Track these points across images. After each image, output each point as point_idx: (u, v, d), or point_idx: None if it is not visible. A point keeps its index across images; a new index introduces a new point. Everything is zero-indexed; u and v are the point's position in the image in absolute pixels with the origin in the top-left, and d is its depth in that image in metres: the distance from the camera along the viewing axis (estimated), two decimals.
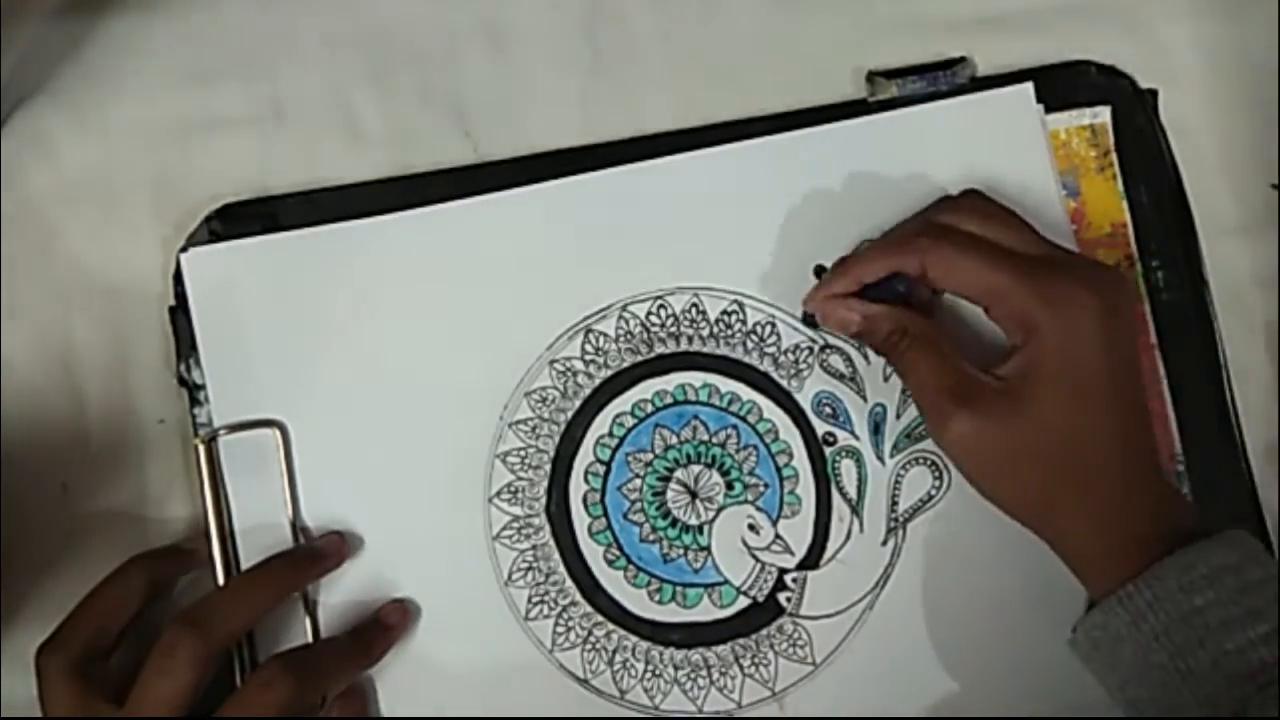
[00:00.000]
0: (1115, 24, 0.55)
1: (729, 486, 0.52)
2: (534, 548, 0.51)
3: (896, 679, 0.51)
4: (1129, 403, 0.46)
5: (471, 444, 0.52)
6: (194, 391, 0.52)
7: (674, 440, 0.52)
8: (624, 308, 0.52)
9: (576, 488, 0.52)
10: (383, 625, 0.50)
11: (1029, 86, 0.53)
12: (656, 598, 0.52)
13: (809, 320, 0.52)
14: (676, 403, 0.52)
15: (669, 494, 0.52)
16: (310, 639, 0.51)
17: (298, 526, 0.51)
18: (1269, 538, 0.52)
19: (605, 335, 0.52)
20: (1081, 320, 0.45)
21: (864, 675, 0.51)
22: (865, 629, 0.51)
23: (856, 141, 0.53)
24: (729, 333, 0.52)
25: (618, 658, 0.51)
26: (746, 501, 0.52)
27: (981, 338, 0.50)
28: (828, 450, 0.52)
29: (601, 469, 0.52)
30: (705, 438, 0.52)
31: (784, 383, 0.52)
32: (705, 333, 0.52)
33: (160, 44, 0.54)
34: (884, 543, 0.52)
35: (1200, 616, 0.42)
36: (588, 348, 0.52)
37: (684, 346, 0.52)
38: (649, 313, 0.52)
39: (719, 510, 0.52)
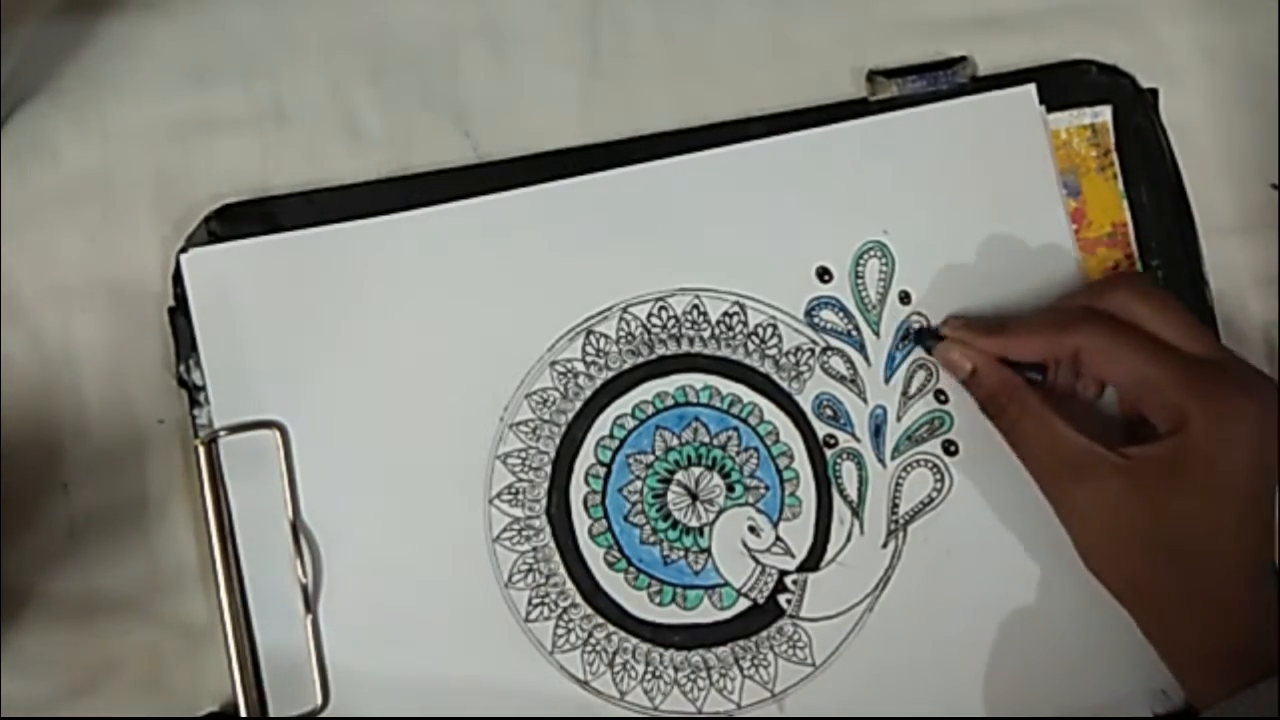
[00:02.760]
0: (1116, 24, 0.55)
1: (729, 488, 0.52)
2: (534, 549, 0.52)
3: (896, 681, 0.51)
4: (1263, 523, 0.46)
5: (472, 445, 0.52)
6: (194, 392, 0.52)
7: (675, 442, 0.52)
8: (625, 309, 0.52)
9: (577, 489, 0.52)
10: None
11: (1031, 88, 0.53)
12: (657, 599, 0.52)
13: (924, 335, 0.52)
14: (677, 404, 0.52)
15: (670, 496, 0.52)
16: (310, 640, 0.51)
17: (298, 527, 0.51)
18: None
19: (606, 337, 0.52)
20: (1237, 424, 0.45)
21: (864, 677, 0.51)
22: (865, 631, 0.51)
23: (856, 141, 0.53)
24: (730, 334, 0.52)
25: (618, 659, 0.51)
26: (747, 503, 0.52)
27: (1097, 420, 0.50)
28: (828, 452, 0.52)
29: (602, 471, 0.52)
30: (706, 439, 0.52)
31: (785, 385, 0.52)
32: (706, 334, 0.52)
33: (160, 44, 0.53)
34: (884, 545, 0.52)
35: None
36: (588, 349, 0.52)
37: (685, 348, 0.52)
38: (650, 314, 0.52)
39: (719, 512, 0.52)
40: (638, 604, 0.52)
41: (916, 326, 0.52)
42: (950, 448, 0.52)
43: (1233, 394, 0.45)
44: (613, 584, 0.52)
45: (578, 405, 0.52)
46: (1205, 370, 0.46)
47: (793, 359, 0.52)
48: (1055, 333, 0.48)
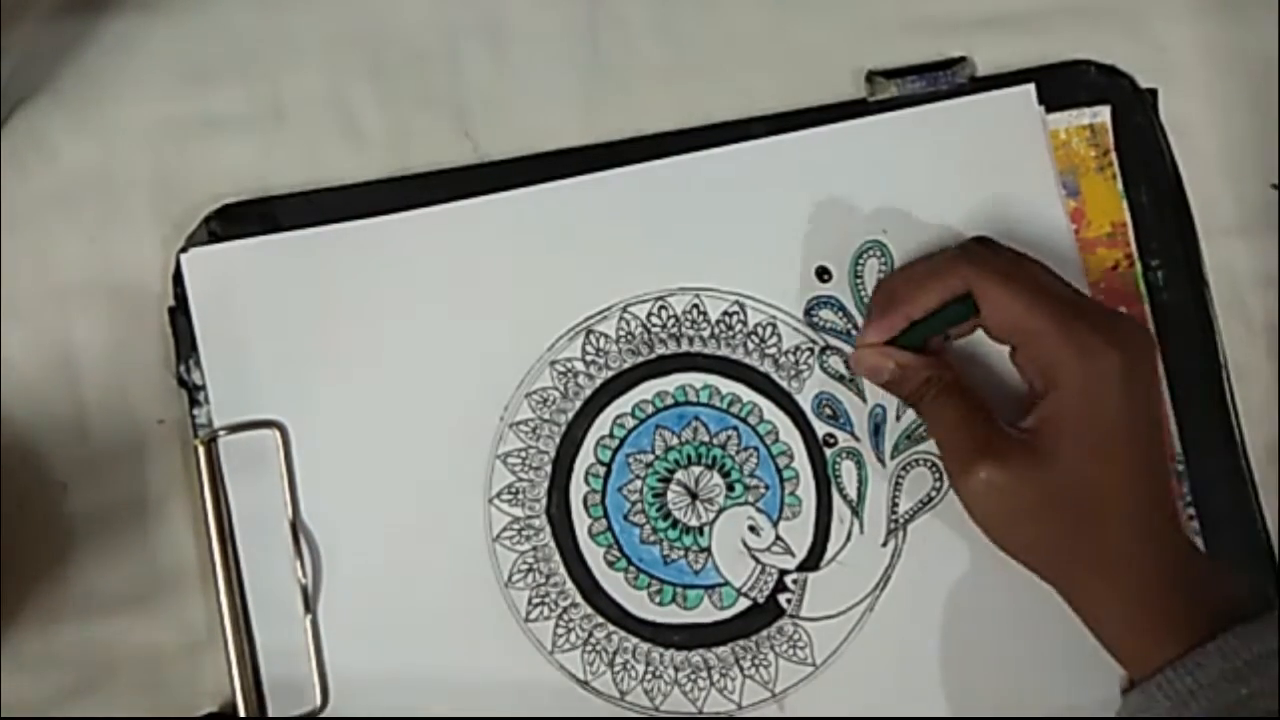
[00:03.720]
0: (1115, 24, 0.55)
1: (729, 488, 0.52)
2: (534, 549, 0.52)
3: (897, 680, 0.51)
4: (1150, 460, 0.46)
5: (472, 445, 0.52)
6: (194, 392, 0.52)
7: (675, 441, 0.52)
8: (625, 308, 0.52)
9: (577, 489, 0.52)
10: None
11: (1031, 88, 0.53)
12: (657, 599, 0.52)
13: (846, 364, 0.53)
14: (677, 404, 0.52)
15: (669, 495, 0.52)
16: (310, 640, 0.51)
17: (298, 527, 0.51)
18: (1269, 538, 0.52)
19: (606, 336, 0.52)
20: (1105, 374, 0.45)
21: (864, 676, 0.51)
22: (865, 630, 0.51)
23: (856, 141, 0.53)
24: (730, 334, 0.52)
25: (618, 659, 0.51)
26: (747, 503, 0.52)
27: (1004, 390, 0.50)
28: (828, 451, 0.52)
29: (602, 470, 0.52)
30: (706, 439, 0.52)
31: (784, 384, 0.52)
32: (706, 334, 0.52)
33: (160, 44, 0.54)
34: (884, 544, 0.52)
35: (1245, 706, 0.41)
36: (588, 348, 0.52)
37: (685, 347, 0.52)
38: (650, 314, 0.52)
39: (719, 511, 0.52)
40: (638, 604, 0.51)
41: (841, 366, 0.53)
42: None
43: (1099, 344, 0.45)
44: (613, 583, 0.52)
45: (578, 405, 0.52)
46: (1077, 319, 0.45)
47: (792, 358, 0.52)
48: (942, 276, 0.47)
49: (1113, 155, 0.54)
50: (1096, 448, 0.45)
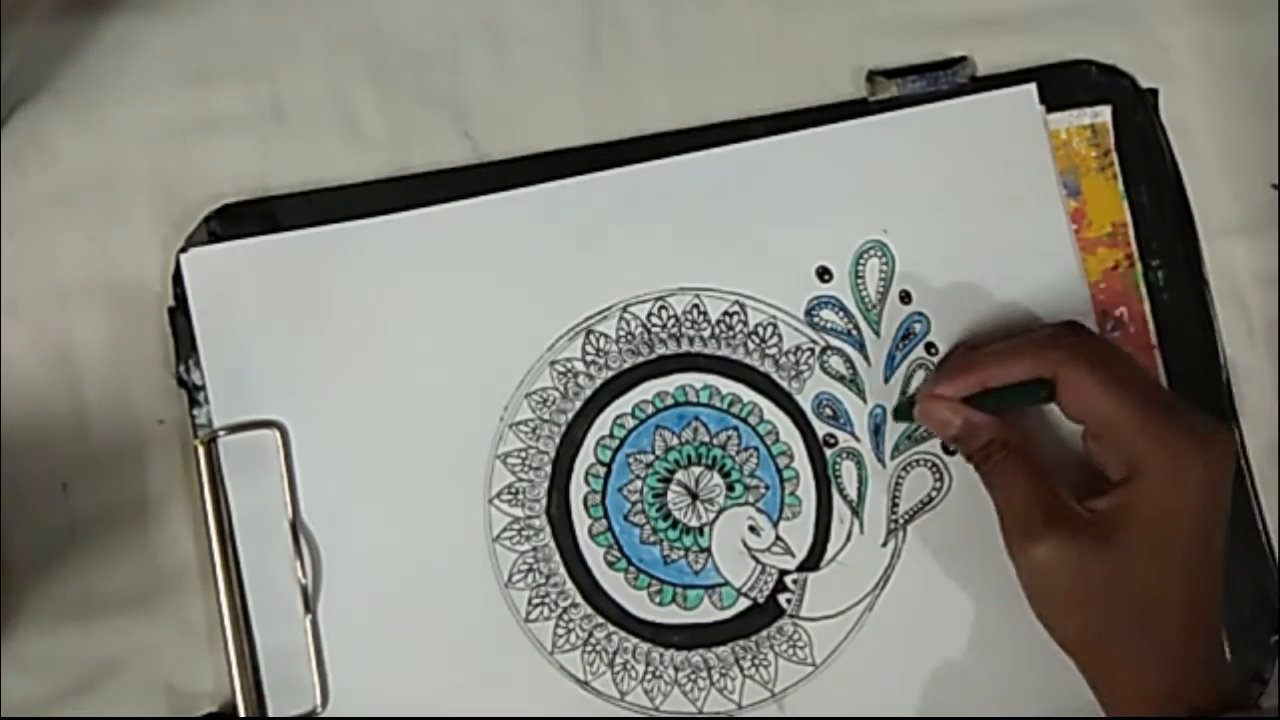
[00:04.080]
0: (1115, 24, 0.55)
1: (729, 488, 0.52)
2: (534, 549, 0.52)
3: (896, 680, 0.51)
4: (1214, 565, 0.46)
5: (472, 445, 0.52)
6: (194, 392, 0.52)
7: (675, 441, 0.52)
8: (625, 308, 0.52)
9: (577, 489, 0.52)
10: None
11: (1032, 88, 0.53)
12: (657, 599, 0.52)
13: (900, 412, 0.52)
14: (677, 404, 0.52)
15: (670, 495, 0.52)
16: (310, 640, 0.51)
17: (298, 527, 0.51)
18: (1269, 538, 0.52)
19: (606, 336, 0.52)
20: (1188, 475, 0.44)
21: (864, 676, 0.51)
22: (865, 630, 0.51)
23: (857, 141, 0.53)
24: (730, 334, 0.52)
25: (618, 659, 0.51)
26: (747, 503, 0.52)
27: (1070, 463, 0.49)
28: (828, 452, 0.52)
29: (602, 470, 0.52)
30: (706, 439, 0.52)
31: (785, 384, 0.52)
32: (706, 334, 0.52)
33: (160, 44, 0.53)
34: (884, 544, 0.52)
35: None
36: (588, 349, 0.52)
37: (685, 348, 0.52)
38: (650, 314, 0.52)
39: (719, 512, 0.52)
40: (638, 604, 0.52)
41: (899, 402, 0.52)
42: (950, 447, 0.52)
43: (1189, 444, 0.45)
44: (613, 584, 0.52)
45: (578, 405, 0.52)
46: (1166, 418, 0.45)
47: (792, 358, 0.52)
48: (1033, 355, 0.47)
49: (1113, 155, 0.54)
50: (1166, 545, 0.44)
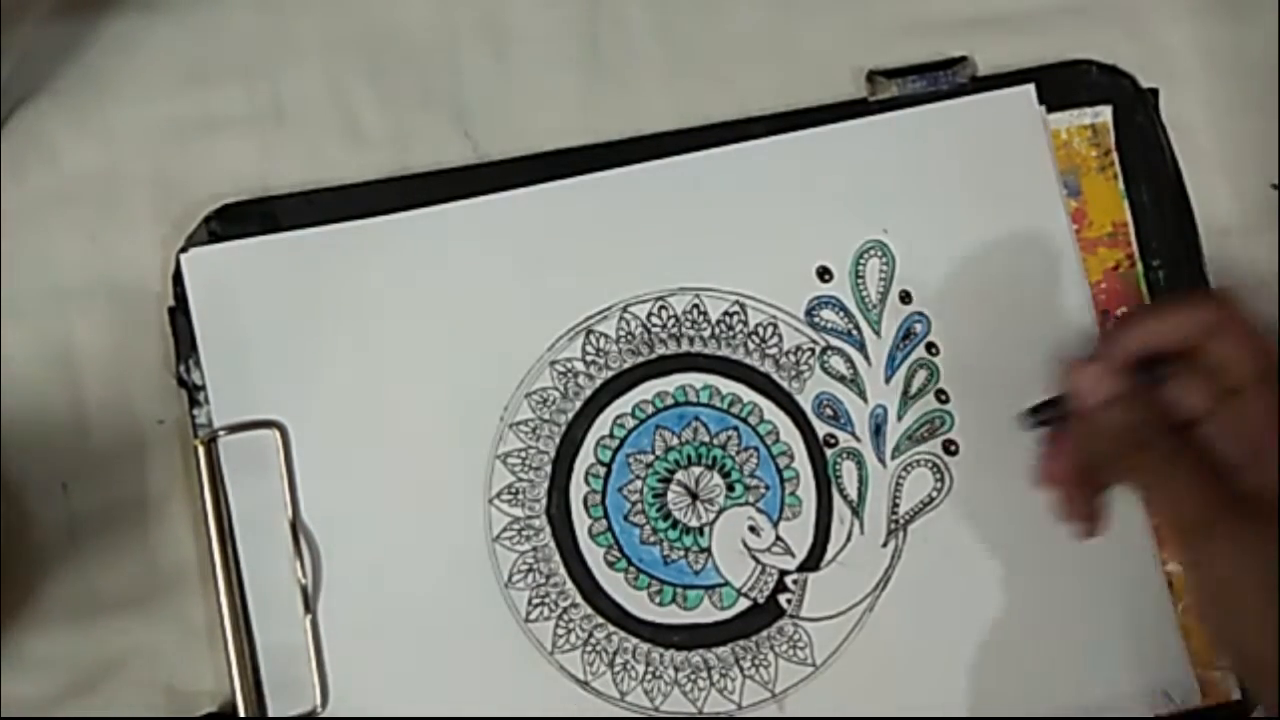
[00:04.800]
0: (1115, 24, 0.55)
1: (730, 488, 0.52)
2: (534, 549, 0.51)
3: (896, 680, 0.51)
4: None
5: (472, 445, 0.52)
6: (194, 392, 0.52)
7: (675, 441, 0.52)
8: (625, 308, 0.52)
9: (577, 489, 0.52)
10: None
11: (1030, 88, 0.53)
12: (657, 599, 0.52)
13: (1035, 414, 0.50)
14: (677, 404, 0.52)
15: (670, 495, 0.52)
16: (310, 640, 0.51)
17: (298, 527, 0.51)
18: None
19: (606, 336, 0.52)
20: None
21: (864, 677, 0.51)
22: (866, 630, 0.51)
23: (857, 141, 0.53)
24: (730, 334, 0.52)
25: (618, 659, 0.51)
26: (747, 503, 0.52)
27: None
28: (829, 452, 0.52)
29: (602, 470, 0.52)
30: (706, 439, 0.52)
31: (785, 384, 0.52)
32: (706, 334, 0.52)
33: (160, 44, 0.53)
34: (884, 544, 0.52)
35: None
36: (588, 349, 0.52)
37: (685, 348, 0.52)
38: (650, 314, 0.52)
39: (720, 512, 0.52)
40: (638, 604, 0.51)
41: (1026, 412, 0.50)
42: (950, 447, 0.52)
43: None
44: (613, 584, 0.52)
45: (578, 405, 0.52)
46: None
47: (793, 358, 0.52)
48: (1193, 310, 0.44)
49: (1114, 155, 0.54)
50: None
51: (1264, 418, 0.43)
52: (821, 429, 0.52)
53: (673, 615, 0.52)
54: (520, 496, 0.52)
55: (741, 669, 0.51)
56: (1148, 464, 0.44)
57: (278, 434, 0.51)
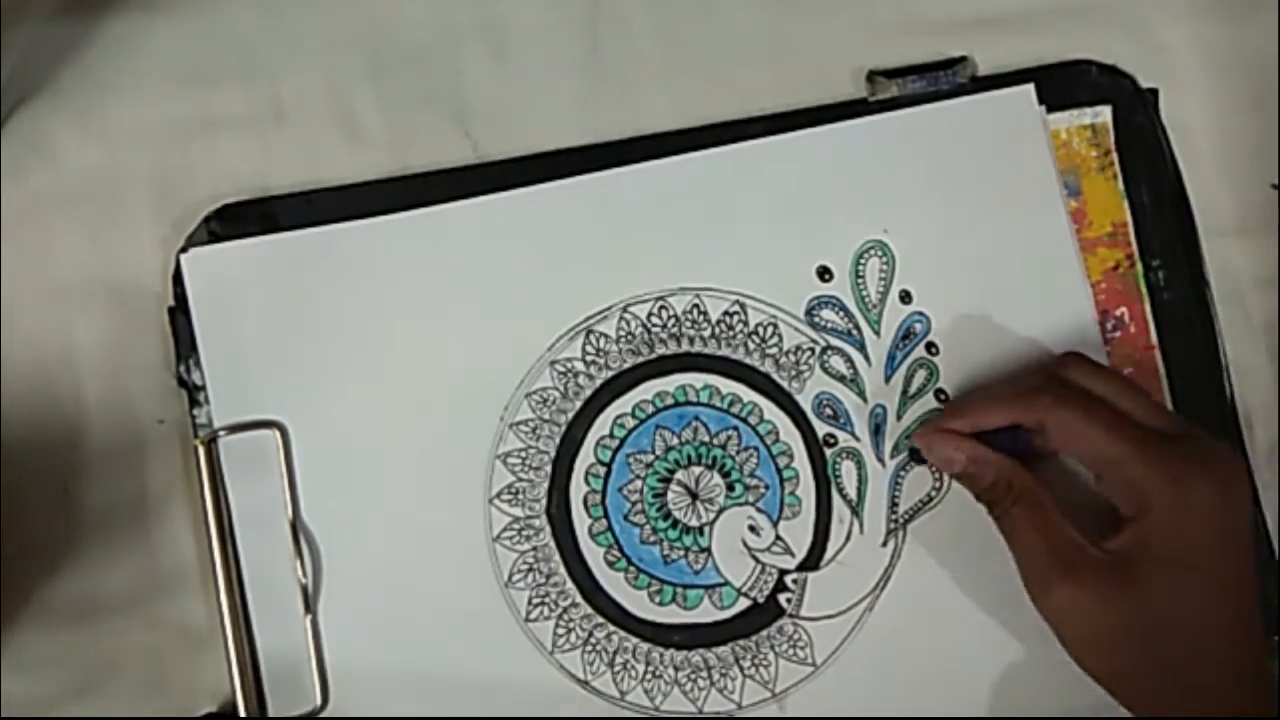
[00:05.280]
0: (1115, 24, 0.55)
1: (729, 488, 0.52)
2: (534, 549, 0.52)
3: (896, 680, 0.51)
4: (1238, 589, 0.45)
5: (472, 445, 0.52)
6: (194, 392, 0.52)
7: (675, 441, 0.52)
8: (625, 308, 0.52)
9: (577, 489, 0.52)
10: None
11: (1030, 88, 0.53)
12: (657, 599, 0.52)
13: (915, 454, 0.52)
14: (677, 404, 0.52)
15: (670, 495, 0.52)
16: (310, 640, 0.51)
17: (298, 527, 0.51)
18: (1269, 537, 0.52)
19: (606, 336, 0.52)
20: (1197, 505, 0.44)
21: (864, 676, 0.51)
22: (865, 630, 0.51)
23: (857, 141, 0.53)
24: (730, 334, 0.52)
25: (618, 659, 0.51)
26: (747, 503, 0.52)
27: (1086, 501, 0.48)
28: (828, 451, 0.52)
29: (602, 470, 0.52)
30: (706, 439, 0.52)
31: (785, 384, 0.52)
32: (706, 334, 0.52)
33: (160, 44, 0.54)
34: (884, 544, 0.52)
35: None
36: (588, 349, 0.52)
37: (685, 347, 0.52)
38: (650, 314, 0.52)
39: (719, 511, 0.52)
40: (638, 604, 0.51)
41: (909, 449, 0.52)
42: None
43: (1193, 472, 0.44)
44: (613, 584, 0.52)
45: (578, 405, 0.52)
46: (1166, 447, 0.45)
47: (793, 358, 0.52)
48: (1021, 401, 0.47)
49: (1114, 155, 0.54)
50: (1186, 578, 0.44)
51: (1110, 491, 0.46)
52: (821, 429, 0.52)
53: (673, 615, 0.52)
54: (520, 496, 0.52)
55: (741, 668, 0.51)
56: (995, 517, 0.48)
57: (278, 434, 0.51)
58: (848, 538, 0.52)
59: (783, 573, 0.52)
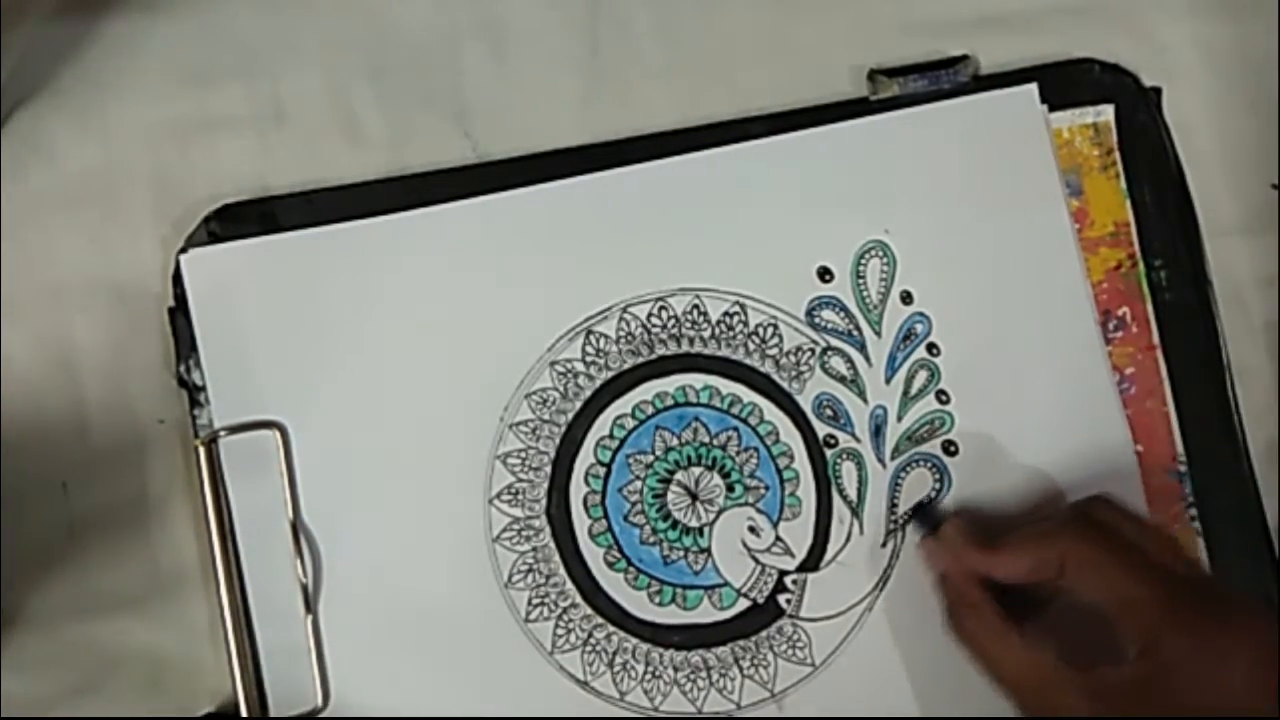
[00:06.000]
0: (1117, 23, 0.55)
1: (729, 488, 0.52)
2: (534, 550, 0.51)
3: (896, 680, 0.51)
4: None
5: (472, 445, 0.52)
6: (194, 392, 0.52)
7: (675, 442, 0.52)
8: (625, 309, 0.52)
9: (577, 489, 0.52)
10: None
11: (1033, 88, 0.53)
12: (656, 599, 0.52)
13: (921, 511, 0.52)
14: (677, 404, 0.52)
15: (669, 496, 0.52)
16: (310, 640, 0.51)
17: (298, 527, 0.51)
18: (1270, 537, 0.52)
19: (606, 336, 0.52)
20: (1217, 659, 0.42)
21: (863, 677, 0.51)
22: (865, 631, 0.51)
23: (858, 140, 0.53)
24: (730, 334, 0.52)
25: (618, 659, 0.51)
26: (747, 503, 0.52)
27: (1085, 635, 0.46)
28: (828, 452, 0.52)
29: (602, 471, 0.52)
30: (706, 439, 0.52)
31: (785, 385, 0.52)
32: (706, 334, 0.52)
33: (160, 44, 0.53)
34: (884, 545, 0.52)
35: None
36: (588, 349, 0.52)
37: (685, 348, 0.52)
38: (650, 314, 0.52)
39: (719, 512, 0.52)
40: (638, 604, 0.51)
41: (922, 501, 0.52)
42: (950, 448, 0.52)
43: (1215, 626, 0.42)
44: (613, 584, 0.52)
45: (578, 405, 0.52)
46: (1189, 595, 0.43)
47: (793, 359, 0.52)
48: (1041, 549, 0.46)
49: (1116, 154, 0.54)
50: None
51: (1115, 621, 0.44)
52: (821, 429, 0.52)
53: (672, 615, 0.51)
54: (520, 497, 0.52)
55: (741, 669, 0.51)
56: (960, 637, 0.48)
57: (278, 434, 0.51)
58: (848, 538, 0.52)
59: (782, 573, 0.52)
